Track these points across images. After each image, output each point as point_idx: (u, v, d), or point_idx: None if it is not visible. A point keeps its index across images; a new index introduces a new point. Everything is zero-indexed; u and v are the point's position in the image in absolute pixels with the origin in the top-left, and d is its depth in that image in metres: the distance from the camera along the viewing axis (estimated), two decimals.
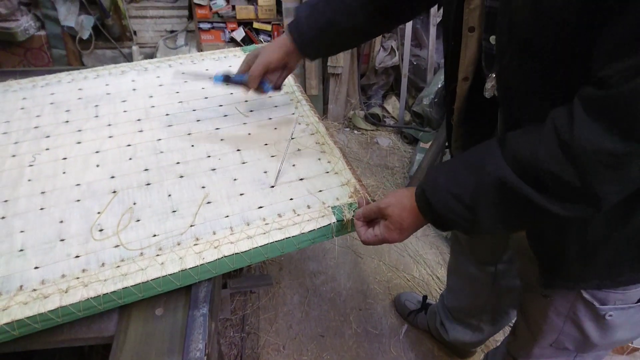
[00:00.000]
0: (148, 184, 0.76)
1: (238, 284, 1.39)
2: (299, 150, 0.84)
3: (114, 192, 0.75)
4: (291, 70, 0.88)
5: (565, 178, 0.46)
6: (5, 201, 0.75)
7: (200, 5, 2.21)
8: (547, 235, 0.66)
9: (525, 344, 0.86)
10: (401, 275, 1.67)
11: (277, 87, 0.88)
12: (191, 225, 0.68)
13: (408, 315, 1.49)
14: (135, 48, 2.32)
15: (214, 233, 0.67)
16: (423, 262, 1.72)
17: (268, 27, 2.27)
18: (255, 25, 2.27)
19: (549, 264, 0.68)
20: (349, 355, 1.41)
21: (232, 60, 1.15)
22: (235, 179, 0.77)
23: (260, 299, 1.55)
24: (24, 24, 2.12)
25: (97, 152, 0.84)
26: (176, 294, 0.64)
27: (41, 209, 0.73)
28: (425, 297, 1.46)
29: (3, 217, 0.72)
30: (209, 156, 0.82)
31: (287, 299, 1.57)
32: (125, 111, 0.95)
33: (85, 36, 2.20)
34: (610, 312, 0.68)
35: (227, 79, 0.87)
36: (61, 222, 0.70)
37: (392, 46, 2.34)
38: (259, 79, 0.83)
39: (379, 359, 1.41)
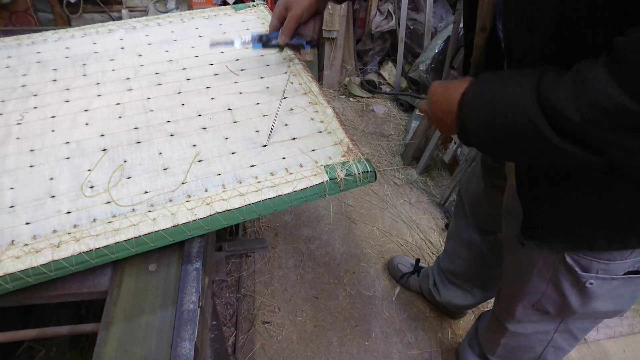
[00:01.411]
0: (138, 142, 0.75)
1: (233, 246, 1.41)
2: (291, 109, 0.83)
3: (104, 150, 0.74)
4: (322, 16, 0.86)
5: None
6: None
7: None
8: (540, 191, 0.66)
9: (508, 306, 0.88)
10: (394, 240, 1.69)
11: (316, 41, 0.87)
12: (182, 183, 0.68)
13: (401, 278, 1.52)
14: (125, 12, 2.25)
15: (206, 190, 0.67)
16: (416, 227, 1.74)
17: None
18: None
19: (536, 220, 0.68)
20: (343, 316, 1.45)
21: (223, 19, 1.12)
22: (226, 138, 0.76)
23: (256, 262, 1.58)
24: None
25: (85, 110, 0.82)
26: (169, 251, 0.65)
27: (30, 166, 0.72)
28: (418, 260, 1.49)
29: None
30: (200, 115, 0.80)
31: (283, 263, 1.59)
32: (113, 70, 0.93)
33: None
34: (591, 280, 0.69)
35: (264, 42, 0.87)
36: (51, 179, 0.70)
37: (388, 9, 2.28)
38: (292, 34, 0.82)
39: (372, 319, 1.45)
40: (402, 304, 1.50)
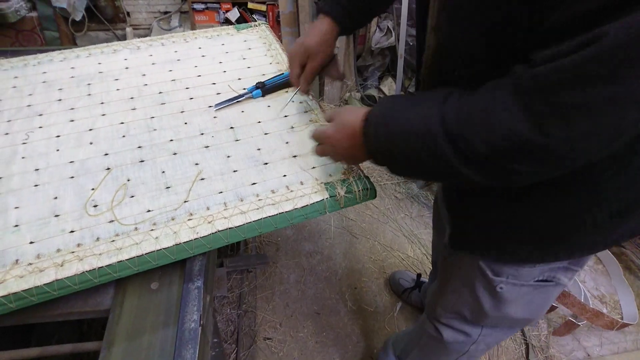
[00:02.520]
0: (142, 161, 0.76)
1: (235, 262, 1.41)
2: (292, 127, 0.84)
3: (108, 169, 0.75)
4: (337, 56, 0.89)
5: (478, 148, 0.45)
6: None
7: None
8: (457, 198, 0.68)
9: (431, 305, 0.91)
10: (396, 255, 1.69)
11: (342, 77, 0.89)
12: (185, 201, 0.69)
13: (402, 293, 1.51)
14: (128, 30, 2.29)
15: (208, 208, 0.68)
16: (417, 242, 1.73)
17: (262, 7, 2.24)
18: (250, 5, 2.24)
19: (458, 227, 0.70)
20: (345, 332, 1.44)
21: (226, 38, 1.14)
22: (228, 156, 0.77)
23: (257, 278, 1.58)
24: (15, 4, 2.08)
25: (90, 129, 0.84)
26: (171, 269, 0.65)
27: (35, 185, 0.73)
28: (419, 275, 1.48)
29: None
30: (202, 134, 0.82)
31: (284, 278, 1.59)
32: (118, 89, 0.94)
33: (77, 17, 2.17)
34: (502, 284, 0.70)
35: (264, 89, 0.92)
36: (55, 198, 0.71)
37: (388, 26, 2.31)
38: (311, 82, 0.84)
39: (374, 335, 1.44)
40: (404, 320, 1.49)
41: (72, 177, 0.74)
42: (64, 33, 2.25)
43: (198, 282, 0.64)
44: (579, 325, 1.40)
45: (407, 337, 1.14)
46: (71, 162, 0.77)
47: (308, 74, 0.82)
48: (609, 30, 0.37)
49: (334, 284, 1.58)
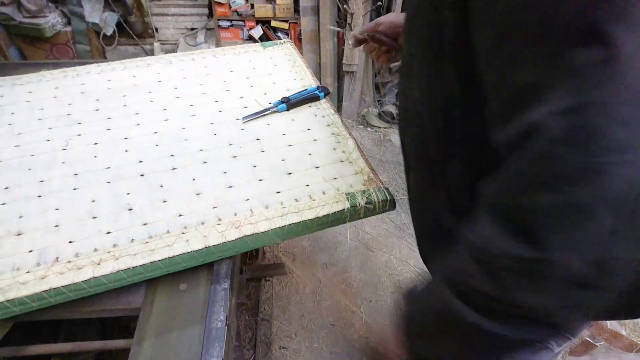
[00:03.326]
0: (173, 169, 0.81)
1: (253, 270, 1.44)
2: (315, 140, 0.88)
3: (142, 175, 0.80)
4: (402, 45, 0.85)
5: (484, 288, 0.40)
6: (41, 181, 0.80)
7: (220, 4, 2.27)
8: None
9: None
10: (412, 270, 1.69)
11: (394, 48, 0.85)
12: (214, 207, 0.72)
13: None
14: (156, 45, 2.40)
15: (235, 214, 0.72)
16: None
17: (285, 26, 2.32)
18: (273, 23, 2.32)
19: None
20: (359, 345, 1.45)
21: (253, 55, 1.19)
22: (254, 166, 0.81)
23: (274, 287, 1.60)
24: (52, 20, 2.21)
25: (125, 138, 0.89)
26: (199, 271, 0.69)
27: (74, 189, 0.78)
28: None
29: (39, 196, 0.77)
30: (230, 144, 0.86)
31: (300, 289, 1.61)
32: (151, 101, 1.00)
33: (109, 32, 2.28)
34: None
35: (288, 104, 0.96)
36: (93, 201, 0.75)
37: None
38: (368, 32, 0.80)
39: None
40: None
41: (109, 182, 0.79)
42: (95, 47, 2.37)
43: (225, 284, 0.67)
44: (597, 345, 1.37)
45: None
46: (108, 167, 0.82)
47: (370, 26, 0.80)
48: (552, 125, 0.32)
49: (350, 296, 1.60)
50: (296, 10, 2.28)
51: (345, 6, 2.09)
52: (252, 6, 2.28)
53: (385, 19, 0.81)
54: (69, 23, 2.29)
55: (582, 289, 0.35)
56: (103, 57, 2.41)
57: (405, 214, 1.93)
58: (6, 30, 2.15)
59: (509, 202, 0.37)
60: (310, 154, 0.84)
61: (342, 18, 2.17)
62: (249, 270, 1.46)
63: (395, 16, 0.81)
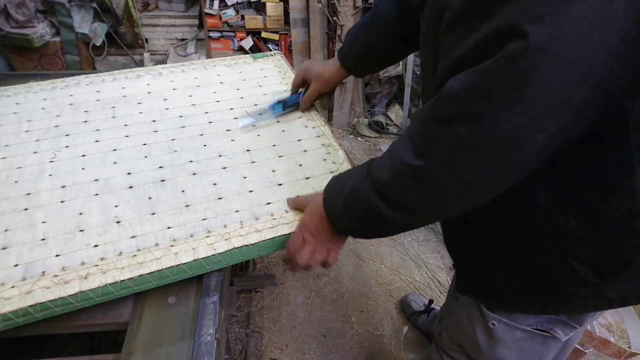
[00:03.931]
0: (163, 181, 0.80)
1: (244, 282, 1.43)
2: (305, 151, 0.88)
3: (131, 187, 0.79)
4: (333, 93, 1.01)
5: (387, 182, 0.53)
6: (28, 194, 0.79)
7: (210, 15, 2.28)
8: (458, 248, 0.72)
9: (439, 333, 0.91)
10: (403, 279, 1.70)
11: (325, 108, 1.02)
12: (203, 219, 0.72)
13: (411, 315, 1.52)
14: (146, 55, 2.39)
15: (225, 226, 0.71)
16: (424, 266, 1.75)
17: (276, 37, 2.34)
18: (264, 34, 2.34)
19: (462, 274, 0.74)
20: (351, 355, 1.44)
21: (243, 67, 1.20)
22: (245, 177, 0.81)
23: (264, 298, 1.59)
24: (40, 30, 2.20)
25: (114, 150, 0.89)
26: (188, 284, 0.68)
27: (61, 201, 0.77)
28: (431, 301, 1.49)
29: (26, 209, 0.76)
30: (220, 155, 0.86)
31: (291, 299, 1.60)
32: (141, 113, 1.00)
33: (98, 43, 2.28)
34: (494, 321, 0.70)
35: (284, 106, 0.98)
36: (80, 214, 0.75)
37: None
38: (311, 104, 0.98)
39: (380, 359, 1.44)
40: (410, 344, 1.49)
41: (97, 194, 0.78)
42: (84, 57, 2.36)
43: (214, 297, 0.66)
44: (586, 353, 1.38)
45: None
46: (96, 180, 0.82)
47: (307, 98, 0.96)
48: (461, 78, 0.44)
49: (341, 306, 1.59)
50: (286, 21, 2.30)
51: (335, 18, 2.12)
52: (243, 17, 2.30)
53: (315, 71, 0.94)
54: (58, 33, 2.28)
55: (440, 189, 0.50)
56: (92, 67, 2.40)
57: None
58: None
59: (417, 126, 0.51)
60: (300, 165, 0.85)
61: (332, 30, 2.20)
62: (239, 281, 1.45)
63: (323, 66, 0.94)
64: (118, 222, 0.72)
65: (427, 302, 1.51)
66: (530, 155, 0.44)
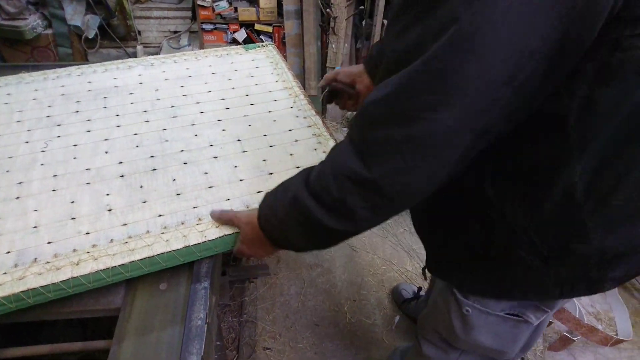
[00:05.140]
0: (154, 170, 0.81)
1: (237, 272, 1.45)
2: (296, 140, 0.89)
3: (122, 176, 0.80)
4: (359, 91, 0.98)
5: (330, 189, 0.53)
6: (20, 183, 0.80)
7: (203, 7, 2.27)
8: (426, 229, 0.74)
9: (421, 320, 0.93)
10: (395, 269, 1.72)
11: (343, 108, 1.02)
12: (194, 207, 0.73)
13: (402, 303, 1.54)
14: (139, 48, 2.38)
15: None
16: (416, 257, 1.76)
17: (269, 29, 2.33)
18: (257, 27, 2.34)
19: (431, 256, 0.76)
20: (343, 344, 1.46)
21: (235, 57, 1.20)
22: (235, 166, 0.82)
23: (258, 289, 1.60)
24: (32, 22, 2.18)
25: (106, 139, 0.89)
26: (179, 271, 0.69)
27: (53, 190, 0.78)
28: (419, 288, 1.51)
29: (18, 197, 0.77)
30: (212, 145, 0.87)
31: (284, 290, 1.61)
32: (132, 103, 1.00)
33: (91, 35, 2.26)
34: (468, 307, 0.71)
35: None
36: (72, 202, 0.75)
37: None
38: (328, 81, 0.97)
39: (372, 347, 1.46)
40: (402, 333, 1.51)
41: (88, 183, 0.79)
42: (77, 50, 2.35)
43: (205, 283, 0.67)
44: (574, 340, 1.41)
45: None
46: (87, 169, 0.82)
47: (330, 75, 0.97)
48: (393, 79, 0.45)
49: (334, 296, 1.61)
50: (280, 13, 2.30)
51: (328, 10, 2.12)
52: (236, 9, 2.29)
53: (345, 69, 0.95)
54: (50, 26, 2.26)
55: (381, 197, 0.50)
56: (85, 60, 2.39)
57: None
58: None
59: (356, 133, 0.51)
60: (291, 155, 0.86)
61: (325, 22, 2.20)
62: (232, 272, 1.46)
63: (353, 67, 0.95)
64: (109, 210, 0.73)
65: (416, 290, 1.53)
66: (461, 151, 0.46)
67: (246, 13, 2.28)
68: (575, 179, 0.50)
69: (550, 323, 1.51)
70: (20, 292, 0.61)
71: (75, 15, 2.20)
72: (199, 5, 2.26)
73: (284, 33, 2.30)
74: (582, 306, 1.62)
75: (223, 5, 2.27)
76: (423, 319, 0.91)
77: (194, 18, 2.38)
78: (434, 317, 0.84)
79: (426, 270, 0.79)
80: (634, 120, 0.45)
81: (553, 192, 0.52)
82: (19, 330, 0.97)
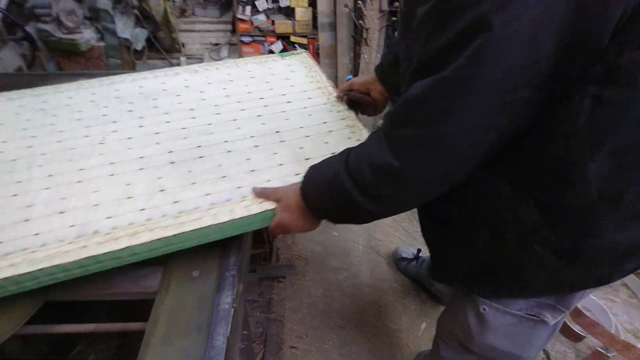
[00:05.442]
0: (201, 157, 0.88)
1: (266, 270, 1.50)
2: (330, 131, 0.95)
3: (172, 162, 0.88)
4: (374, 98, 1.06)
5: (366, 177, 0.60)
6: (81, 169, 0.88)
7: (242, 20, 2.40)
8: (435, 235, 0.76)
9: (439, 321, 0.94)
10: None
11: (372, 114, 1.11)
12: (238, 187, 0.80)
13: (401, 261, 1.63)
14: (183, 59, 2.54)
15: None
16: None
17: (304, 41, 2.44)
18: (293, 38, 2.44)
19: (436, 261, 0.78)
20: (368, 347, 1.47)
21: (272, 63, 1.28)
22: (275, 153, 0.89)
23: (286, 289, 1.65)
24: (87, 35, 2.36)
25: (156, 133, 0.97)
26: (211, 260, 0.74)
27: (111, 175, 0.86)
28: (419, 250, 1.62)
29: (79, 181, 0.85)
30: (252, 136, 0.94)
31: (312, 292, 1.65)
32: (179, 103, 1.09)
33: (139, 47, 2.43)
34: (484, 306, 0.72)
35: None
36: (128, 184, 0.83)
37: None
38: (343, 91, 1.07)
39: (397, 352, 1.46)
40: (428, 339, 1.50)
41: (142, 168, 0.87)
42: (126, 60, 2.52)
43: (233, 271, 0.72)
44: (609, 357, 1.37)
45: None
46: (141, 157, 0.90)
47: (340, 86, 1.07)
48: (423, 83, 0.51)
49: (359, 300, 1.63)
50: (314, 26, 2.40)
51: (360, 22, 2.20)
52: (273, 22, 2.41)
53: (358, 79, 1.04)
54: (102, 38, 2.45)
55: (407, 185, 0.58)
56: (133, 70, 2.56)
57: (417, 222, 1.97)
58: (46, 46, 2.31)
59: (388, 128, 0.58)
60: (326, 143, 0.92)
61: (359, 33, 2.28)
62: (262, 270, 1.52)
63: (366, 76, 1.03)
64: (162, 190, 0.81)
65: (416, 251, 1.63)
66: (482, 149, 0.52)
67: (283, 26, 2.40)
68: (589, 176, 0.52)
69: (583, 337, 1.48)
70: (84, 258, 0.68)
71: (125, 29, 2.37)
72: (239, 19, 2.39)
73: (318, 44, 2.39)
74: (620, 323, 1.57)
75: (261, 19, 2.40)
76: (441, 320, 0.93)
77: (233, 31, 2.52)
78: (451, 317, 0.86)
79: (432, 277, 0.81)
80: None
81: (568, 190, 0.54)
82: (67, 310, 1.05)
